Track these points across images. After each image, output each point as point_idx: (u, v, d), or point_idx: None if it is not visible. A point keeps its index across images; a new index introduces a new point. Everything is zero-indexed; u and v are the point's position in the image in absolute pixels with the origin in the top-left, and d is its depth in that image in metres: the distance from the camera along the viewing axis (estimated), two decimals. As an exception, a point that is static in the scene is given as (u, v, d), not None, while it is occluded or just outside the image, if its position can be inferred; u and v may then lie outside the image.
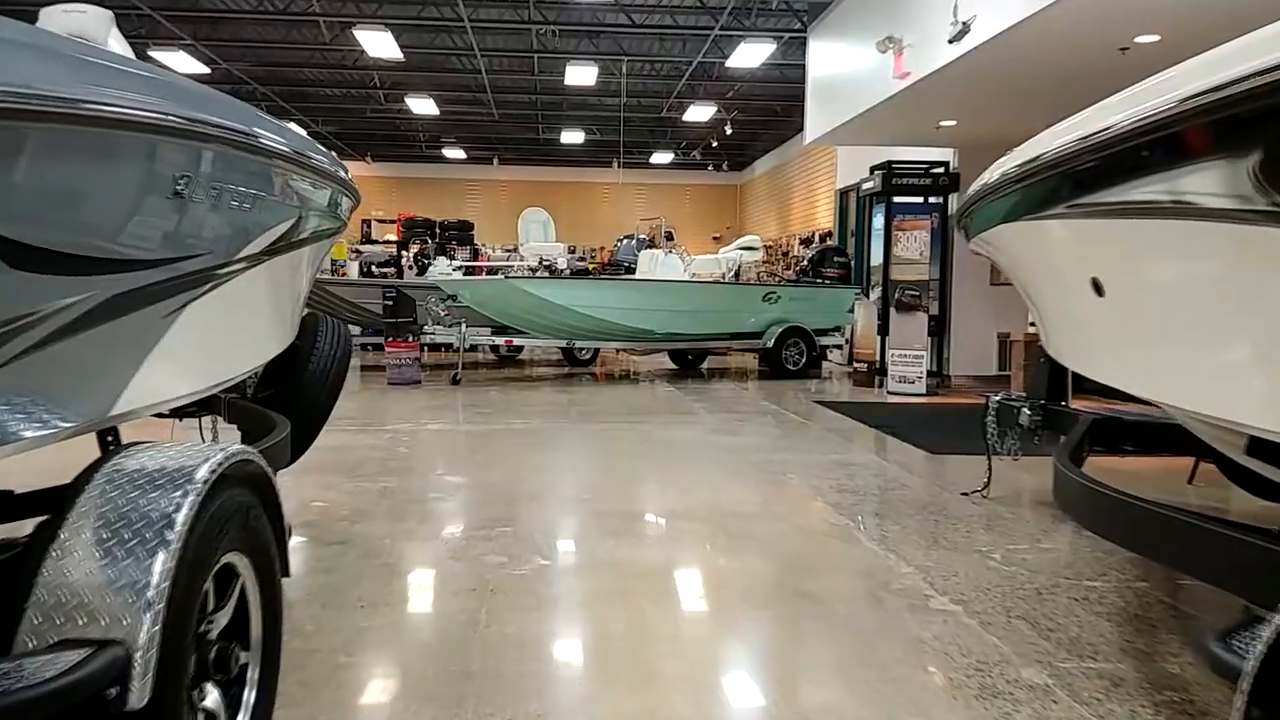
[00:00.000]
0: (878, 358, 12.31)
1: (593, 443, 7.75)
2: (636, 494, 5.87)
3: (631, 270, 15.14)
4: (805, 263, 14.82)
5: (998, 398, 5.69)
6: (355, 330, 15.01)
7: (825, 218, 18.11)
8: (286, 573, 2.49)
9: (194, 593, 1.92)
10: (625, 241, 16.13)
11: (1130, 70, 3.27)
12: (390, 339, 11.81)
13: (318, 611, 3.55)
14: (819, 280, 14.44)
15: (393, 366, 11.76)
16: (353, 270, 17.21)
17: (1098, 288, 3.11)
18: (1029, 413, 5.31)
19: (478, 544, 4.48)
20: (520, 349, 15.22)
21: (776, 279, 19.94)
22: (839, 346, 15.26)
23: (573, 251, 26.01)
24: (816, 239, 18.19)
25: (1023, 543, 4.74)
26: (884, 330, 12.28)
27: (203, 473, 1.98)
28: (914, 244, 11.54)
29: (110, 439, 3.32)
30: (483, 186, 25.96)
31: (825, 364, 15.08)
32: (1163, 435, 4.55)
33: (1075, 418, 4.98)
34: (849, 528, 4.94)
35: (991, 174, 3.87)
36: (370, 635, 3.37)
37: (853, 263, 15.19)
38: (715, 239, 26.27)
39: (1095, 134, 2.67)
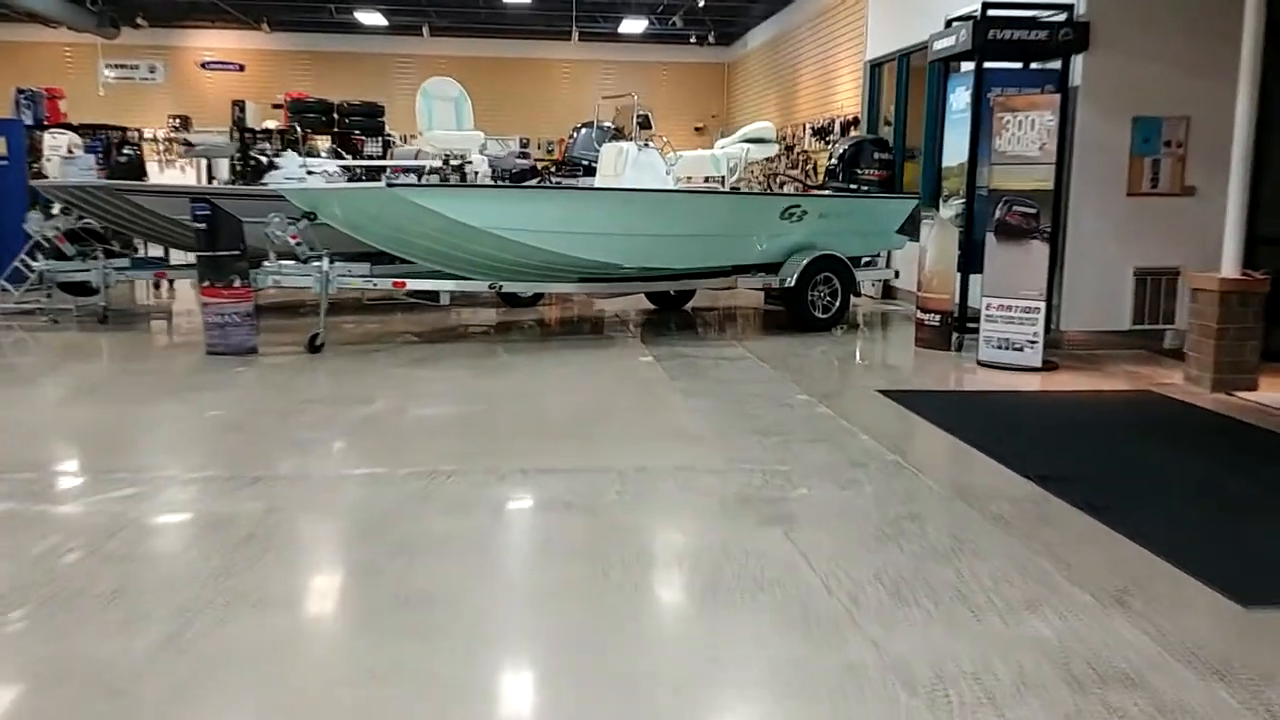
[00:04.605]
0: (956, 306, 8.22)
1: (501, 572, 3.66)
2: None
3: (591, 172, 10.85)
4: (833, 161, 10.56)
5: None
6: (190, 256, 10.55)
7: (849, 100, 13.74)
8: None
9: None
10: (583, 131, 11.74)
11: None
12: (205, 284, 7.54)
13: None
14: (853, 186, 10.25)
15: (212, 327, 7.52)
16: (223, 173, 12.68)
17: None
18: None
19: None
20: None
21: (778, 180, 15.66)
22: (884, 280, 11.14)
23: (525, 146, 21.48)
24: (837, 129, 13.84)
25: None
26: (968, 265, 8.17)
27: None
28: (1030, 133, 7.32)
29: None
30: (414, 64, 21.06)
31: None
32: None
33: None
34: None
35: None
36: None
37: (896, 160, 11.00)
38: (698, 129, 21.76)
39: None
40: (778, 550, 3.63)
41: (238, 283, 7.48)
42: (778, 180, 15.65)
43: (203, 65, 21.23)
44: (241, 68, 21.19)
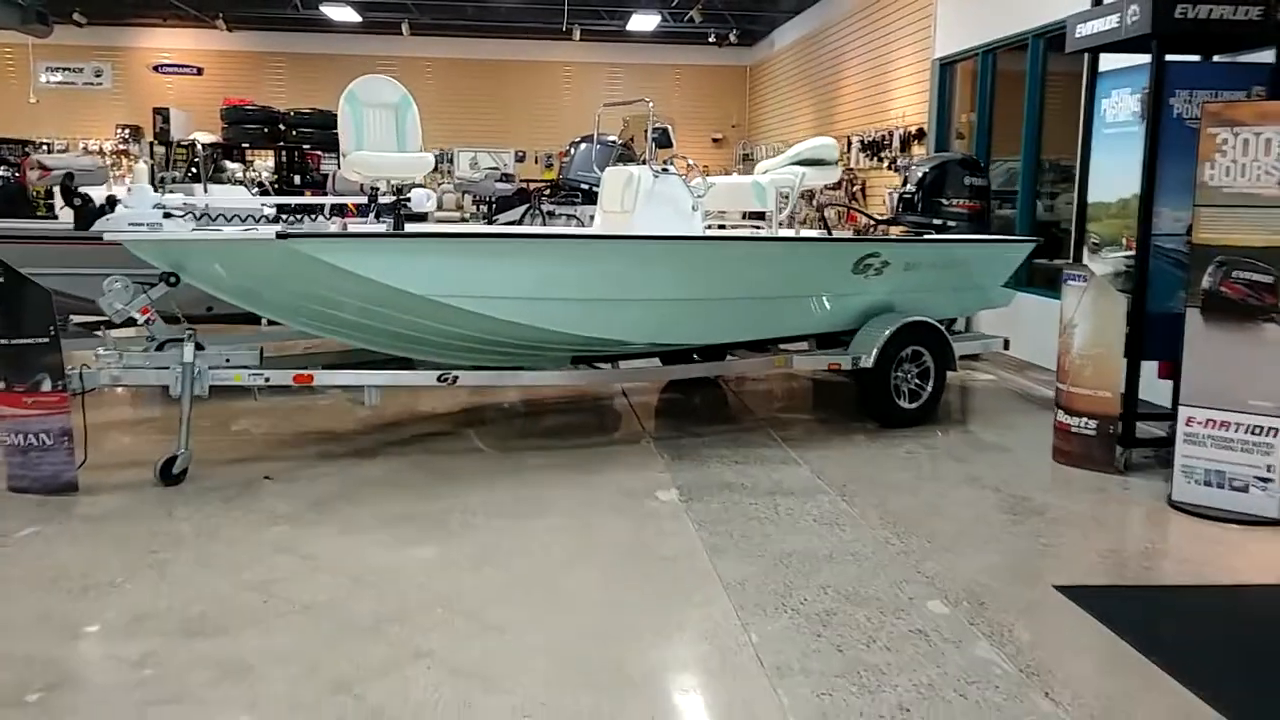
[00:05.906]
0: (1119, 405, 5.63)
1: None
2: None
3: (591, 198, 8.34)
4: (910, 189, 8.00)
5: None
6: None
7: (913, 108, 11.19)
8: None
9: None
10: (581, 148, 9.20)
11: None
12: (3, 387, 4.99)
13: None
14: (937, 222, 7.73)
15: (12, 452, 4.97)
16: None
17: None
18: None
19: None
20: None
21: (815, 204, 13.09)
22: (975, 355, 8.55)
23: (520, 160, 18.95)
24: (896, 142, 11.27)
25: None
26: (1138, 350, 5.59)
27: None
28: (1262, 159, 4.76)
29: None
30: (397, 66, 18.51)
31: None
32: None
33: None
34: None
35: None
36: None
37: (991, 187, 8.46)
38: (716, 141, 19.27)
39: None
40: None
41: (47, 385, 4.93)
42: (815, 204, 13.09)
43: (156, 69, 18.77)
44: (200, 71, 18.72)
